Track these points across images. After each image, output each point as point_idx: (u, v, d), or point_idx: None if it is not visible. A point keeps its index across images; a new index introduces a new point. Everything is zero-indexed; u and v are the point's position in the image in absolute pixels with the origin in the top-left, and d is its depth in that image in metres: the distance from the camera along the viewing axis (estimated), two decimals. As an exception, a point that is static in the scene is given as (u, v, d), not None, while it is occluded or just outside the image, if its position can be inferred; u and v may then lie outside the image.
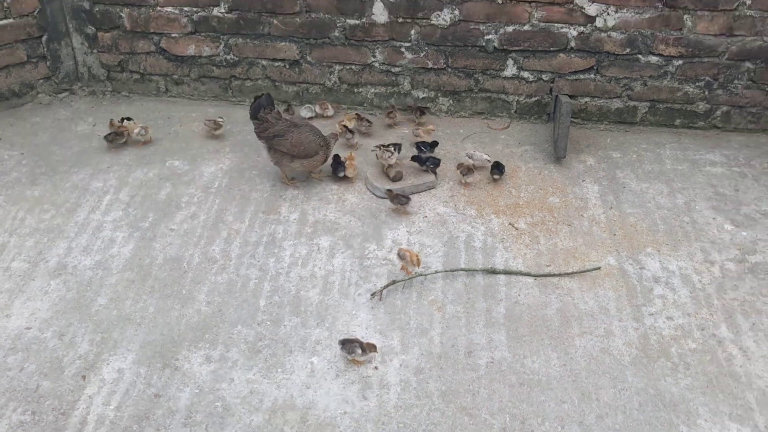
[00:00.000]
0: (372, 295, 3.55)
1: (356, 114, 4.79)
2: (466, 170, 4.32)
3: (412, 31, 4.75)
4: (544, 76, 4.82)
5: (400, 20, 4.71)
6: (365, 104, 5.06)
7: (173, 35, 4.96)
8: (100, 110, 5.10)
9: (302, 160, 4.18)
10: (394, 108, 4.90)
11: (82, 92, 5.26)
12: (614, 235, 3.98)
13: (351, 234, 3.97)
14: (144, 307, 3.49)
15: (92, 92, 5.27)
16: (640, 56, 4.66)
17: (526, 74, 4.83)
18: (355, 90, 5.03)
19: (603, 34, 4.60)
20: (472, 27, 4.69)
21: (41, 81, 5.07)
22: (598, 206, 4.20)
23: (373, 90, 5.02)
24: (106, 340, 3.32)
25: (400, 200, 4.11)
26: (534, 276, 3.69)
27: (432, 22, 4.69)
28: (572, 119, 4.94)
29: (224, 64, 5.03)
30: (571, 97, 4.86)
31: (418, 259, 3.61)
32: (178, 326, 3.39)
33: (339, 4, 4.69)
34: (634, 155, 4.67)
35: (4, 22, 4.74)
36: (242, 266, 3.74)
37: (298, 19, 4.79)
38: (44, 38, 4.95)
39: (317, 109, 4.96)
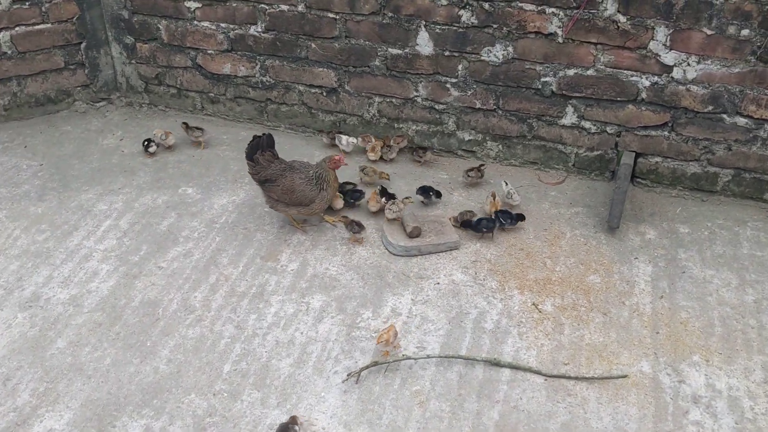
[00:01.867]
0: (348, 375, 3.09)
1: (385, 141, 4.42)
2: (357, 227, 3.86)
3: (460, 67, 4.22)
4: (608, 129, 4.17)
5: (447, 53, 4.20)
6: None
7: (209, 51, 4.68)
8: (132, 123, 4.90)
9: (299, 207, 3.76)
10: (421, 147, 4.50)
11: (120, 102, 5.09)
12: (657, 333, 3.32)
13: (348, 295, 3.52)
14: (101, 357, 3.19)
15: (129, 103, 5.08)
16: (725, 116, 3.92)
17: (587, 124, 4.19)
18: (395, 125, 4.57)
19: (681, 87, 3.91)
20: (527, 67, 4.11)
21: (79, 89, 4.93)
22: (645, 293, 3.54)
23: (414, 127, 4.54)
24: (50, 391, 3.03)
25: (353, 228, 3.78)
26: (545, 375, 3.11)
27: (482, 58, 4.15)
28: (640, 180, 4.26)
29: (260, 86, 4.70)
30: (639, 155, 4.19)
31: (389, 337, 3.14)
32: (129, 385, 3.06)
33: (381, 31, 4.24)
34: (706, 232, 3.94)
35: (42, 26, 4.61)
36: (219, 320, 3.37)
37: (336, 45, 4.37)
38: (83, 45, 4.80)
39: (359, 142, 4.52)
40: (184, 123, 4.60)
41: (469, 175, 4.25)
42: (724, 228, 3.97)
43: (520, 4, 3.93)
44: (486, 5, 3.99)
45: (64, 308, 3.43)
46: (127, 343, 3.25)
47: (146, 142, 4.50)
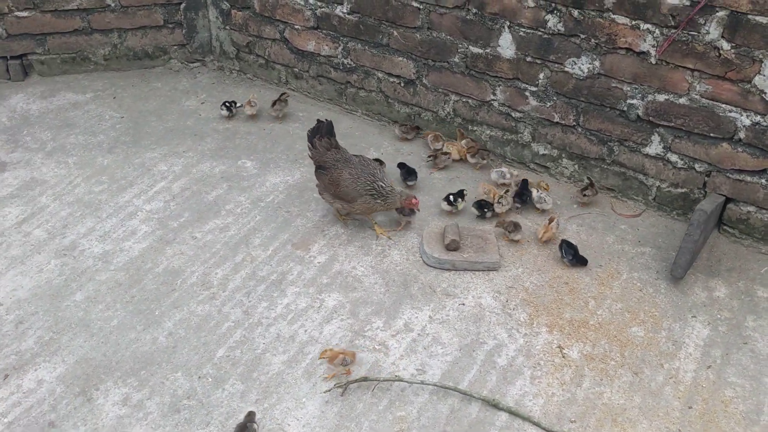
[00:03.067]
0: (335, 385, 2.95)
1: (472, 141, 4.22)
2: (512, 226, 3.62)
3: (541, 75, 3.89)
4: (697, 166, 3.70)
5: (529, 59, 3.88)
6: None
7: (296, 26, 4.61)
8: (218, 88, 4.95)
9: (342, 201, 3.62)
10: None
11: (212, 66, 5.16)
12: (689, 407, 2.92)
13: (365, 300, 3.37)
14: (110, 317, 3.25)
15: (221, 68, 5.14)
16: (836, 172, 3.37)
17: (674, 157, 3.75)
18: (469, 127, 4.31)
19: (787, 132, 3.38)
20: (613, 85, 3.71)
21: (175, 47, 5.04)
22: (691, 359, 3.12)
23: (488, 132, 4.26)
24: (53, 342, 3.13)
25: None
26: (544, 429, 2.82)
27: (566, 69, 3.80)
28: (727, 228, 3.76)
29: (341, 67, 4.58)
30: (729, 200, 3.70)
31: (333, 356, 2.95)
32: (125, 351, 3.09)
33: (463, 26, 3.98)
34: (789, 301, 3.42)
35: (146, -16, 4.74)
36: (230, 302, 3.34)
37: (418, 35, 4.16)
38: (182, 6, 4.88)
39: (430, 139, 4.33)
40: (284, 93, 4.62)
41: (585, 195, 3.92)
42: (813, 300, 3.43)
43: (612, 16, 3.54)
44: (575, 12, 3.63)
45: (94, 262, 3.53)
46: (138, 309, 3.29)
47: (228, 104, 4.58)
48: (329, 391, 2.93)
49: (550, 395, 2.96)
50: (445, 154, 4.16)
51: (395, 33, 4.24)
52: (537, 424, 2.83)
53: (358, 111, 4.69)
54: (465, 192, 3.87)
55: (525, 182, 3.95)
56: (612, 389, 2.99)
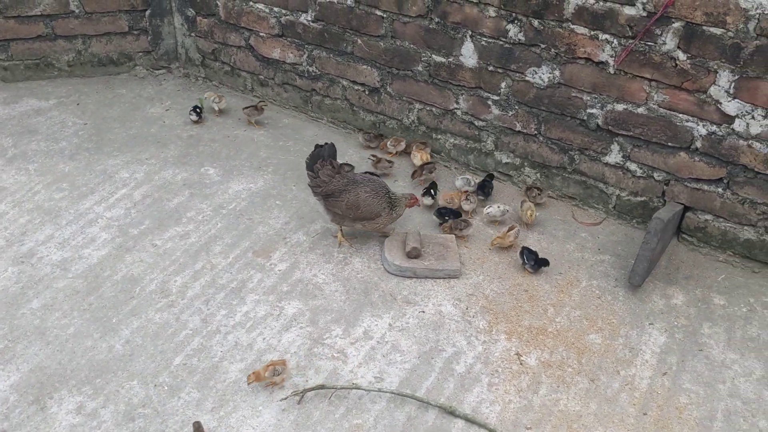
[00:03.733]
0: (293, 392, 2.94)
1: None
2: (463, 224, 3.70)
3: (503, 84, 3.93)
4: (656, 175, 3.75)
5: (491, 68, 3.91)
6: (442, 153, 4.34)
7: (261, 34, 4.61)
8: (184, 95, 4.93)
9: (364, 221, 3.60)
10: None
11: (178, 73, 5.14)
12: (644, 414, 2.95)
13: (325, 307, 3.36)
14: (66, 325, 3.21)
15: (186, 75, 5.12)
16: (789, 181, 3.43)
17: (633, 166, 3.79)
18: (434, 136, 4.33)
19: (742, 142, 3.44)
20: (573, 95, 3.76)
21: (140, 54, 5.02)
22: (647, 366, 3.15)
23: (452, 140, 4.28)
24: (7, 350, 3.08)
25: (458, 225, 3.74)
26: (500, 437, 2.83)
27: (527, 78, 3.84)
28: (686, 237, 3.81)
29: (306, 75, 4.59)
30: (687, 208, 3.75)
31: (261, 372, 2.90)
32: (81, 359, 3.06)
33: (426, 35, 4.01)
34: (745, 308, 3.47)
35: (110, -10, 4.72)
36: (189, 310, 3.31)
37: (381, 43, 4.18)
38: (147, 12, 4.86)
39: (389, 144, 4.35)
40: (262, 101, 4.61)
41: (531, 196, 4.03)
42: None
43: (572, 26, 3.59)
44: (536, 22, 3.66)
45: (52, 269, 3.49)
46: (95, 317, 3.26)
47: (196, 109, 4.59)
48: (285, 399, 2.92)
49: (507, 402, 2.97)
50: (389, 162, 4.17)
51: (359, 41, 4.26)
52: (493, 431, 2.84)
53: (324, 118, 4.70)
54: (437, 185, 3.97)
55: (490, 176, 3.99)
56: (568, 396, 3.01)
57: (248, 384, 2.92)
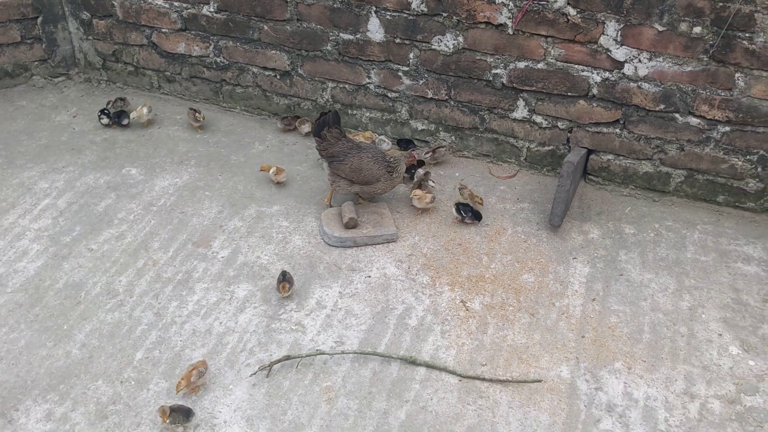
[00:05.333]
0: (259, 368, 3.05)
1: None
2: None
3: (411, 55, 4.13)
4: (560, 124, 4.06)
5: (398, 41, 4.10)
6: (359, 128, 4.50)
7: (164, 30, 4.60)
8: (88, 100, 4.85)
9: (362, 186, 3.78)
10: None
11: (78, 78, 5.04)
12: (582, 337, 3.25)
13: (275, 285, 3.47)
14: (16, 338, 3.17)
15: (88, 80, 5.03)
16: (677, 115, 3.81)
17: (539, 119, 4.09)
18: (349, 111, 4.48)
19: (632, 84, 3.79)
20: (478, 58, 4.00)
21: (36, 63, 4.88)
22: (578, 295, 3.46)
23: (368, 114, 4.45)
24: (-41, 372, 3.02)
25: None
26: (459, 376, 3.05)
27: (433, 47, 4.05)
28: (592, 177, 4.16)
29: (214, 66, 4.63)
30: (591, 152, 4.09)
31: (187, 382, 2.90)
32: (39, 369, 3.04)
33: (332, 15, 4.15)
34: (652, 234, 3.84)
35: (-3, 0, 4.56)
36: (140, 306, 3.34)
37: (288, 27, 4.29)
38: (39, 20, 4.74)
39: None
40: (192, 109, 4.53)
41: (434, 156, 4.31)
42: (671, 230, 3.87)
43: (469, -7, 3.83)
44: (436, -7, 3.88)
45: (-12, 287, 3.42)
46: (44, 326, 3.23)
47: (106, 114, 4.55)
48: (254, 374, 3.02)
49: (461, 345, 3.20)
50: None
51: (266, 27, 4.34)
52: (453, 372, 3.06)
53: (237, 107, 4.76)
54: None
55: (421, 163, 4.21)
56: (514, 332, 3.27)
57: (177, 392, 2.89)
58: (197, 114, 4.48)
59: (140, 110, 4.47)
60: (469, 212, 3.80)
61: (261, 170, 4.10)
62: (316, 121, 3.82)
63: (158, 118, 4.67)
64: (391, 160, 3.77)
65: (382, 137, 4.33)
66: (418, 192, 3.87)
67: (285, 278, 3.35)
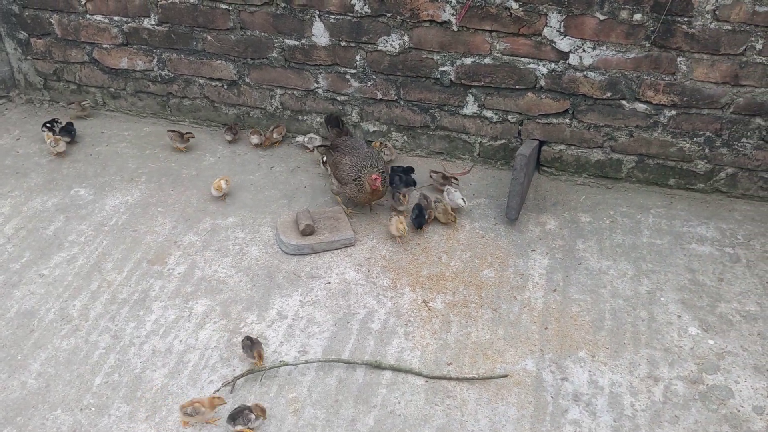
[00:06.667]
0: (223, 384, 2.99)
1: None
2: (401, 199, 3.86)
3: (358, 57, 4.10)
4: (510, 117, 4.08)
5: (344, 44, 4.08)
6: (311, 134, 4.46)
7: (105, 46, 4.51)
8: (31, 122, 4.72)
9: (338, 182, 3.85)
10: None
11: (19, 100, 4.91)
12: (545, 328, 3.26)
13: (234, 299, 3.42)
14: (-32, 372, 3.07)
15: (29, 101, 4.90)
16: (624, 102, 3.85)
17: (489, 113, 4.10)
18: (299, 117, 4.44)
19: (578, 74, 3.82)
20: (424, 56, 4.00)
21: (-26, 86, 4.74)
22: (539, 287, 3.47)
23: (318, 119, 4.42)
24: None
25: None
26: (426, 377, 3.04)
27: (379, 48, 4.04)
28: (545, 169, 4.18)
29: (159, 80, 4.55)
30: (543, 143, 4.11)
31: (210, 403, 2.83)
32: (-6, 402, 2.94)
33: (275, 21, 4.10)
34: (608, 221, 3.88)
35: (-73, 23, 4.41)
36: (96, 330, 3.26)
37: (232, 36, 4.23)
38: (-26, 42, 4.60)
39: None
40: (171, 131, 4.41)
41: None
42: (626, 216, 3.92)
43: (407, -8, 3.82)
44: (378, -7, 3.87)
45: (-65, 322, 3.30)
46: (-3, 358, 3.13)
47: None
48: (218, 391, 2.97)
49: (425, 345, 3.18)
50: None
51: (209, 37, 4.28)
52: (419, 374, 3.04)
53: (186, 120, 4.68)
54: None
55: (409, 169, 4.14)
56: (477, 328, 3.27)
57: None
58: (184, 135, 4.37)
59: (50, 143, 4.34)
60: (415, 213, 3.78)
61: (215, 189, 4.00)
62: (326, 119, 4.14)
63: (104, 138, 4.57)
64: (364, 174, 3.69)
65: (312, 135, 4.39)
66: (394, 218, 3.72)
67: (253, 344, 3.05)
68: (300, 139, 4.41)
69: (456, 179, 4.03)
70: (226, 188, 3.98)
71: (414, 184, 3.98)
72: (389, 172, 3.99)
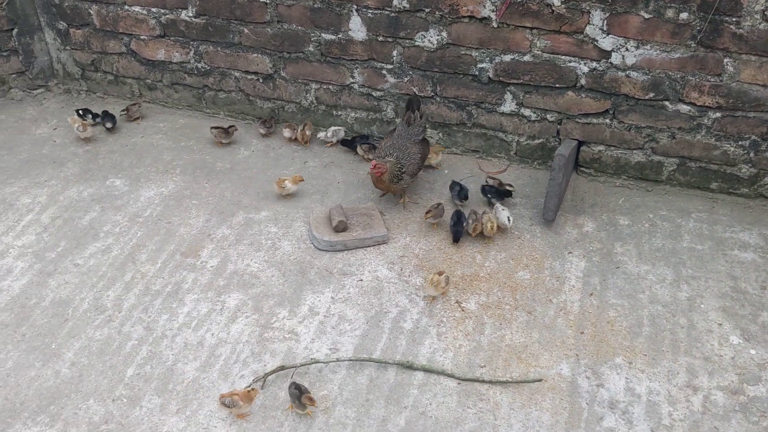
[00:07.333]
0: (254, 380, 2.98)
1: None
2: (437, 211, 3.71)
3: (395, 52, 4.06)
4: (549, 116, 4.01)
5: (381, 39, 4.04)
6: (345, 129, 4.43)
7: (142, 37, 4.52)
8: (69, 112, 4.75)
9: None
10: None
11: (58, 90, 4.95)
12: (581, 333, 3.19)
13: (266, 293, 3.40)
14: (3, 360, 3.09)
15: (67, 90, 4.94)
16: (667, 103, 3.76)
17: (527, 112, 4.03)
18: (334, 112, 4.41)
19: (620, 73, 3.74)
20: (462, 52, 3.94)
21: (13, 76, 4.79)
22: (575, 290, 3.41)
23: (353, 114, 4.39)
24: (-56, 397, 2.94)
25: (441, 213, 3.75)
26: (458, 379, 2.99)
27: (416, 43, 3.99)
28: (583, 169, 4.11)
29: (196, 72, 4.55)
30: (582, 143, 4.03)
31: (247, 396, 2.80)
32: (28, 390, 2.96)
33: (312, 15, 4.07)
34: (647, 224, 3.79)
35: (-30, 13, 4.47)
36: (129, 321, 3.27)
37: (269, 30, 4.21)
38: (15, 31, 4.64)
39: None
40: (215, 127, 4.37)
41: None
42: (666, 219, 3.83)
43: (452, -13, 3.76)
44: (417, -12, 3.82)
45: (-28, 309, 3.34)
46: (32, 346, 3.15)
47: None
48: (249, 387, 2.95)
49: (458, 347, 3.14)
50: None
51: (246, 30, 4.26)
52: (451, 376, 3.00)
53: (221, 113, 4.68)
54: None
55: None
56: (511, 331, 3.21)
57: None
58: (229, 129, 4.36)
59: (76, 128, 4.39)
60: (494, 194, 3.81)
61: (278, 185, 3.94)
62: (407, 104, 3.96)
63: (140, 129, 4.59)
64: (399, 167, 3.70)
65: (336, 128, 4.33)
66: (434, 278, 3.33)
67: (301, 392, 2.82)
68: (321, 135, 4.32)
69: (512, 186, 3.94)
70: (291, 188, 3.93)
71: (466, 198, 3.86)
72: (454, 182, 3.92)
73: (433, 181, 4.12)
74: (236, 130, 4.40)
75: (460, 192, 3.87)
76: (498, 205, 3.77)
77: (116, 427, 2.82)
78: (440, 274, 3.30)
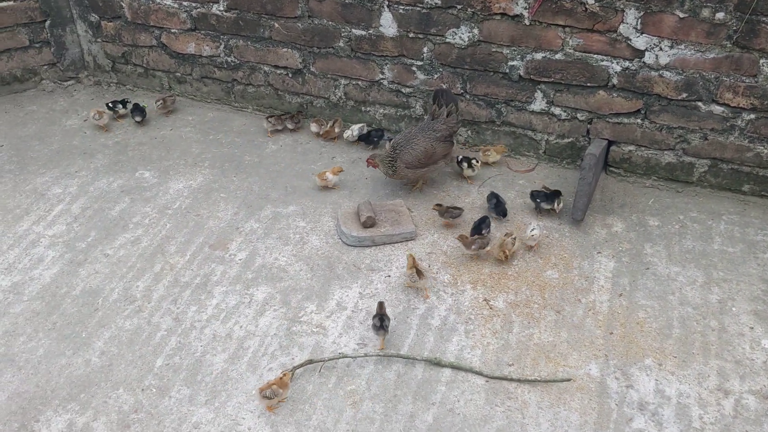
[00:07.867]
0: (282, 372, 2.98)
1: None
2: (480, 243, 3.51)
3: (425, 49, 4.05)
4: (579, 115, 3.98)
5: (411, 35, 4.03)
6: (373, 125, 4.43)
7: (173, 30, 4.54)
8: (99, 103, 4.79)
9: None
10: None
11: (88, 81, 4.99)
12: (611, 333, 3.17)
13: (294, 287, 3.41)
14: (35, 347, 3.12)
15: (97, 82, 4.98)
16: (700, 104, 3.72)
17: (557, 110, 4.01)
18: (363, 108, 4.42)
19: (653, 73, 3.70)
20: (493, 50, 3.92)
21: (45, 67, 4.84)
22: (604, 290, 3.38)
23: (381, 110, 4.38)
24: (-23, 383, 2.98)
25: (451, 214, 3.70)
26: (486, 377, 2.98)
27: (447, 40, 3.97)
28: (613, 169, 4.07)
29: (225, 66, 4.57)
30: (612, 143, 4.00)
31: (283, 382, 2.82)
32: (59, 378, 2.99)
33: (343, 10, 4.07)
34: (677, 225, 3.76)
35: (4, 4, 4.52)
36: (158, 312, 3.29)
37: (300, 24, 4.22)
38: (47, 23, 4.69)
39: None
40: (271, 116, 4.41)
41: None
42: (696, 221, 3.79)
43: (482, -16, 3.75)
44: (450, -16, 3.80)
45: (4, 296, 3.37)
46: (63, 334, 3.18)
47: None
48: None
49: (486, 345, 3.13)
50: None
51: (276, 25, 4.27)
52: (479, 373, 2.99)
53: (249, 107, 4.70)
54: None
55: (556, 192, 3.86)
56: (540, 330, 3.20)
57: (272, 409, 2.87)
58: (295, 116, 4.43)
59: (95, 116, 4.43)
60: (543, 198, 3.77)
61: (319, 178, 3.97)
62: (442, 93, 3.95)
63: (169, 122, 4.61)
64: (395, 154, 3.81)
65: (362, 125, 4.34)
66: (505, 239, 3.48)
67: (382, 323, 3.06)
68: (347, 134, 4.29)
69: (547, 189, 3.89)
70: (333, 179, 3.95)
71: (505, 214, 3.77)
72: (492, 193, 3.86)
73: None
74: (298, 121, 4.46)
75: (497, 206, 3.77)
76: (535, 224, 3.68)
77: (146, 417, 2.84)
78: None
